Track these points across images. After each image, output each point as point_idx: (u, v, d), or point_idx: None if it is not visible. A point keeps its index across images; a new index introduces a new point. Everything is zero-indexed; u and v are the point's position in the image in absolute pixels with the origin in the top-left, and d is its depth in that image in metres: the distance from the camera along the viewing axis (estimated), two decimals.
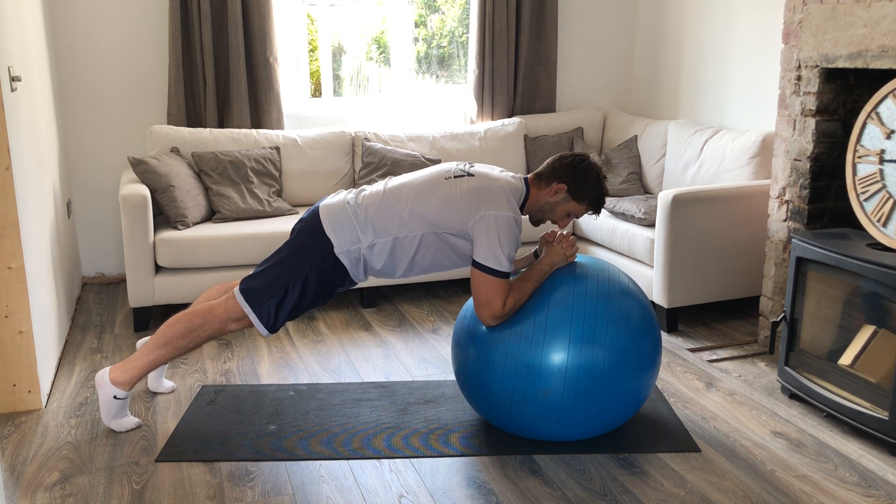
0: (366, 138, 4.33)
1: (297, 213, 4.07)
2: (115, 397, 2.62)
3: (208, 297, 2.80)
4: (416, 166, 4.16)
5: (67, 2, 4.08)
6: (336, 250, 2.52)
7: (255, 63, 4.25)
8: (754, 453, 2.52)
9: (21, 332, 2.76)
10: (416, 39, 4.89)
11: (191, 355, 3.33)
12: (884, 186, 2.67)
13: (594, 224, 4.04)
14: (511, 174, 2.61)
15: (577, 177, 2.56)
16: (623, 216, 3.85)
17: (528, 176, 2.63)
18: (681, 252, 3.44)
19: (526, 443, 2.56)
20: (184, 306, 3.40)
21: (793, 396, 2.92)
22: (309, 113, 4.59)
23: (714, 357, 3.31)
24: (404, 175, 2.66)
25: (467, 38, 4.87)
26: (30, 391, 2.80)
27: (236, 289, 2.57)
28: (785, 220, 3.23)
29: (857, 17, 2.79)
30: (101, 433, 2.66)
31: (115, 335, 3.59)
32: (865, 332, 2.68)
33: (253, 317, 2.54)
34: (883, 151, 2.68)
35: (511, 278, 2.50)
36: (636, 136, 4.53)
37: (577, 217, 2.66)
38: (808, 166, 3.10)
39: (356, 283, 2.69)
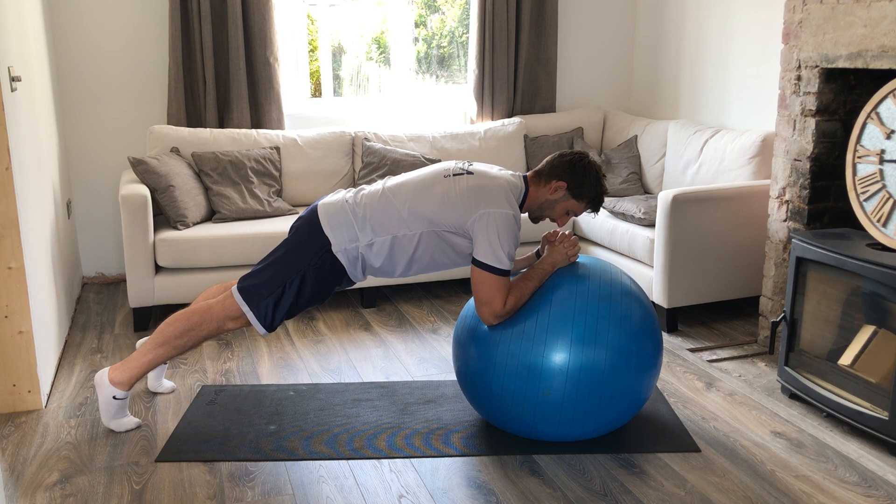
0: (366, 138, 4.33)
1: (297, 213, 4.07)
2: (114, 397, 2.62)
3: (207, 296, 2.81)
4: (416, 166, 4.16)
5: (67, 2, 4.08)
6: (334, 248, 2.52)
7: (255, 63, 4.25)
8: (754, 453, 2.52)
9: (21, 332, 2.76)
10: (416, 39, 4.89)
11: (190, 355, 3.33)
12: (884, 186, 2.67)
13: (594, 224, 4.04)
14: (510, 172, 2.61)
15: (577, 175, 2.56)
16: (623, 216, 3.85)
17: (528, 174, 2.64)
18: (681, 252, 3.44)
19: (526, 443, 2.56)
20: (184, 306, 3.40)
21: (793, 396, 2.92)
22: (309, 113, 4.59)
23: (714, 357, 3.31)
24: (403, 174, 2.66)
25: (467, 38, 4.87)
26: (30, 391, 2.80)
27: (234, 287, 2.57)
28: (785, 220, 3.23)
29: (857, 17, 2.79)
30: (101, 433, 2.66)
31: (115, 335, 3.59)
32: (865, 332, 2.68)
33: (250, 315, 2.54)
34: (883, 151, 2.68)
35: (512, 278, 2.50)
36: (636, 136, 4.53)
37: (577, 215, 2.66)
38: (808, 166, 3.10)
39: (354, 283, 2.69)
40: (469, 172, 2.55)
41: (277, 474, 2.41)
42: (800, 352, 2.92)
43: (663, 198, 3.42)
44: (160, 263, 3.59)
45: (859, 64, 2.80)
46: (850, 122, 3.07)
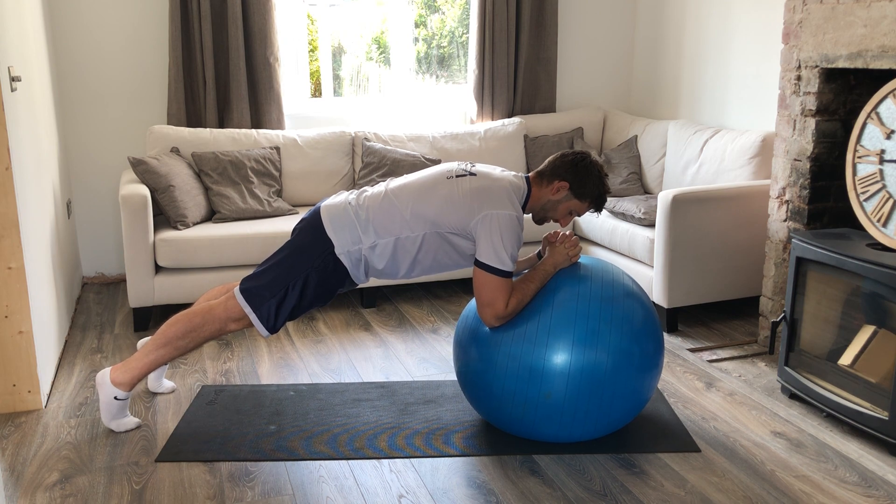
0: (366, 138, 4.33)
1: (297, 213, 4.07)
2: (115, 398, 2.62)
3: (209, 297, 2.80)
4: (416, 166, 4.16)
5: (67, 2, 4.08)
6: (337, 251, 2.52)
7: (255, 63, 4.25)
8: (754, 453, 2.52)
9: (21, 332, 2.76)
10: (416, 39, 4.89)
11: (191, 355, 3.33)
12: (884, 186, 2.67)
13: (594, 224, 4.04)
14: (513, 173, 2.61)
15: (579, 175, 2.56)
16: (623, 216, 3.85)
17: (530, 175, 2.63)
18: (681, 252, 3.44)
19: (526, 443, 2.56)
20: (184, 306, 3.40)
21: (793, 396, 2.92)
22: (309, 113, 4.59)
23: (714, 357, 3.31)
24: (406, 175, 2.66)
25: (467, 38, 4.87)
26: (30, 391, 2.80)
27: (236, 289, 2.56)
28: (785, 220, 3.23)
29: (857, 17, 2.79)
30: (101, 433, 2.66)
31: (115, 335, 3.59)
32: (865, 332, 2.68)
33: (253, 317, 2.54)
34: (883, 151, 2.68)
35: (514, 279, 2.50)
36: (636, 136, 4.53)
37: (580, 215, 2.66)
38: (808, 166, 3.10)
39: (357, 285, 2.69)
40: (472, 174, 2.55)
41: (277, 474, 2.41)
42: (800, 352, 2.92)
43: (663, 198, 3.42)
44: (160, 263, 3.59)
45: (859, 64, 2.80)
46: (850, 122, 3.07)
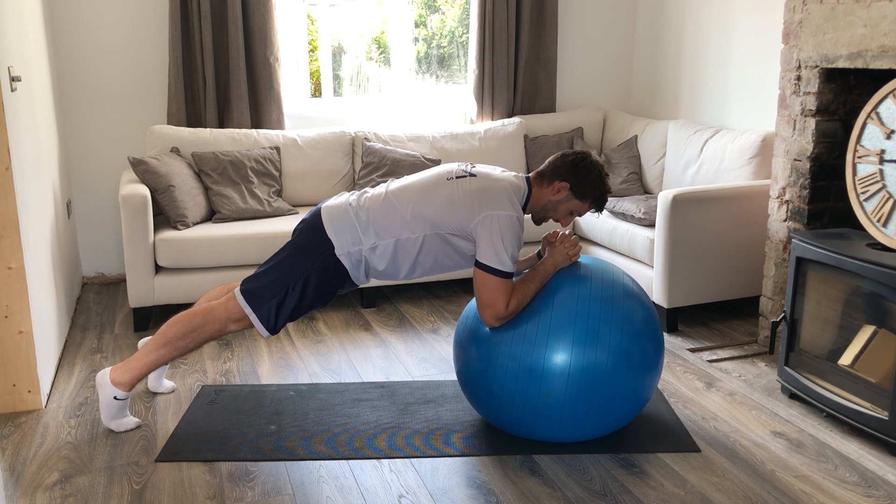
0: (366, 138, 4.33)
1: (297, 213, 4.07)
2: (115, 398, 2.62)
3: (209, 297, 2.80)
4: (416, 166, 4.16)
5: (67, 2, 4.08)
6: (337, 251, 2.52)
7: (255, 63, 4.25)
8: (754, 453, 2.52)
9: (21, 332, 2.76)
10: (416, 39, 4.89)
11: (191, 355, 3.33)
12: (884, 186, 2.67)
13: (594, 224, 4.04)
14: (513, 174, 2.61)
15: (580, 175, 2.56)
16: (623, 216, 3.85)
17: (530, 175, 2.63)
18: (681, 252, 3.44)
19: (526, 443, 2.56)
20: (184, 306, 3.40)
21: (793, 396, 2.92)
22: (309, 113, 4.59)
23: (714, 357, 3.31)
24: (406, 177, 2.66)
25: (467, 38, 4.87)
26: (30, 391, 2.80)
27: (237, 289, 2.56)
28: (785, 220, 3.23)
29: (857, 17, 2.79)
30: (101, 433, 2.66)
31: (115, 335, 3.59)
32: (865, 332, 2.68)
33: (253, 318, 2.54)
34: (883, 151, 2.68)
35: (514, 279, 2.50)
36: (636, 136, 4.53)
37: (580, 215, 2.66)
38: (808, 166, 3.10)
39: (357, 286, 2.69)
40: (472, 175, 2.55)
41: (277, 474, 2.41)
42: (800, 352, 2.92)
43: (663, 198, 3.42)
44: (160, 263, 3.59)
45: (859, 64, 2.80)
46: (850, 122, 3.06)
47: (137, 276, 3.54)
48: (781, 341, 2.96)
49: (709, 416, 2.78)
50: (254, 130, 4.20)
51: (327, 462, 2.48)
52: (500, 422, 2.58)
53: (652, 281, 3.56)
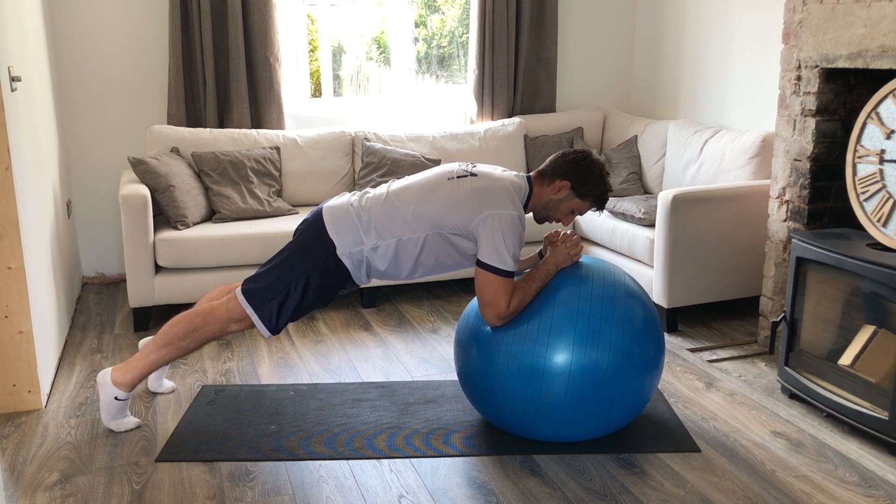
0: (366, 138, 4.33)
1: (297, 213, 4.07)
2: (116, 398, 2.62)
3: (210, 297, 2.80)
4: (416, 166, 4.16)
5: (67, 2, 4.08)
6: (338, 252, 2.52)
7: (255, 63, 4.25)
8: (754, 453, 2.52)
9: (21, 332, 2.76)
10: (416, 39, 4.89)
11: (191, 355, 3.33)
12: (884, 186, 2.67)
13: (594, 224, 4.04)
14: (514, 173, 2.61)
15: (581, 174, 2.56)
16: (623, 216, 3.85)
17: (531, 174, 2.64)
18: (681, 252, 3.44)
19: (526, 443, 2.56)
20: (184, 306, 3.40)
21: (793, 396, 2.92)
22: (309, 113, 4.59)
23: (714, 357, 3.31)
24: (407, 177, 2.67)
25: (467, 38, 4.87)
26: (30, 391, 2.80)
27: (238, 289, 2.56)
28: (785, 220, 3.23)
29: (857, 17, 2.79)
30: (101, 433, 2.66)
31: (115, 335, 3.59)
32: (865, 332, 2.68)
33: (255, 318, 2.54)
34: (883, 151, 2.68)
35: (515, 279, 2.50)
36: (636, 136, 4.53)
37: (582, 214, 2.65)
38: (808, 166, 3.10)
39: (358, 286, 2.69)
40: (473, 174, 2.55)
41: (277, 474, 2.41)
42: (800, 352, 2.92)
43: (663, 198, 3.42)
44: (160, 263, 3.59)
45: (859, 64, 2.80)
46: (850, 122, 3.07)
47: (137, 276, 3.54)
48: (781, 341, 2.96)
49: (709, 416, 2.78)
50: (254, 130, 4.20)
51: (327, 462, 2.48)
52: (500, 421, 2.58)
53: (652, 281, 3.56)
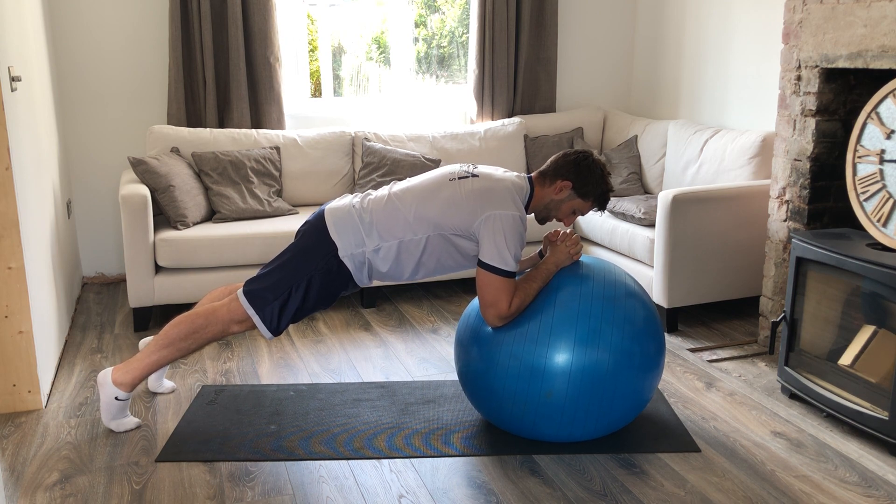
0: (366, 138, 4.34)
1: (297, 213, 4.07)
2: (116, 398, 2.62)
3: (212, 298, 2.80)
4: (416, 166, 4.16)
5: (67, 2, 4.08)
6: (340, 253, 2.53)
7: (255, 63, 4.25)
8: (754, 453, 2.52)
9: (21, 332, 2.76)
10: (416, 39, 4.89)
11: (191, 355, 3.32)
12: (884, 186, 2.67)
13: (594, 224, 4.04)
14: (515, 174, 2.61)
15: (582, 174, 2.56)
16: (623, 216, 3.85)
17: (532, 175, 2.64)
18: (681, 252, 3.44)
19: (526, 443, 2.56)
20: (184, 306, 3.40)
21: (793, 396, 2.92)
22: (309, 113, 4.59)
23: (714, 357, 3.31)
24: (409, 179, 2.67)
25: (467, 38, 4.87)
26: (30, 391, 2.80)
27: (240, 291, 2.56)
28: (785, 220, 3.23)
29: (857, 17, 2.79)
30: (101, 433, 2.66)
31: (115, 335, 3.59)
32: (865, 332, 2.68)
33: (256, 319, 2.54)
34: (883, 151, 2.68)
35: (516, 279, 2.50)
36: (636, 136, 4.53)
37: (583, 214, 2.65)
38: (808, 166, 3.10)
39: (359, 287, 2.69)
40: (474, 175, 2.55)
41: (277, 474, 2.41)
42: (800, 352, 2.92)
43: (663, 198, 3.42)
44: (160, 263, 3.59)
45: (859, 64, 2.80)
46: (850, 122, 3.07)
47: (137, 276, 3.54)
48: (781, 341, 2.96)
49: (709, 416, 2.78)
50: (254, 130, 4.20)
51: (327, 462, 2.48)
52: (500, 421, 2.58)
53: (652, 281, 3.56)
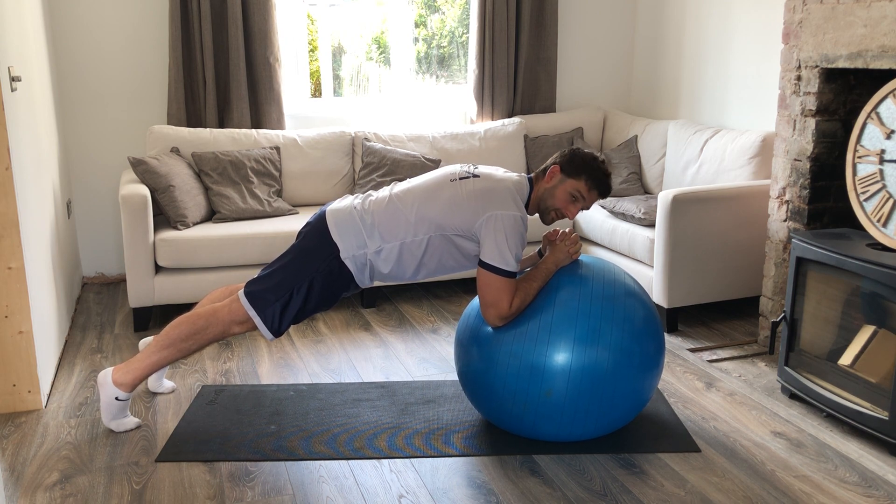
0: (366, 138, 4.34)
1: (297, 213, 4.07)
2: (116, 398, 2.62)
3: (212, 299, 2.80)
4: (416, 166, 4.16)
5: (67, 2, 4.08)
6: (342, 255, 2.53)
7: (255, 63, 4.25)
8: (754, 453, 2.52)
9: (21, 332, 2.76)
10: (416, 39, 4.89)
11: (191, 356, 3.32)
12: (884, 186, 2.67)
13: (594, 224, 4.04)
14: (516, 174, 2.62)
15: (568, 156, 2.57)
16: (623, 216, 3.85)
17: (532, 175, 2.65)
18: (681, 252, 3.44)
19: (526, 443, 2.56)
20: (184, 306, 3.40)
21: (793, 396, 2.92)
22: (309, 113, 4.59)
23: (714, 357, 3.31)
24: (410, 180, 2.67)
25: (467, 38, 4.87)
26: (30, 391, 2.80)
27: (241, 292, 2.56)
28: (785, 220, 3.23)
29: (857, 17, 2.79)
30: (101, 433, 2.66)
31: (115, 335, 3.59)
32: (865, 332, 2.68)
33: (257, 320, 2.54)
34: (883, 151, 2.68)
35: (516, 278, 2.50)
36: (636, 136, 4.53)
37: (584, 199, 2.58)
38: (808, 166, 3.10)
39: (360, 288, 2.69)
40: (475, 175, 2.56)
41: (277, 474, 2.41)
42: (800, 352, 2.92)
43: (663, 198, 3.42)
44: (160, 263, 3.59)
45: (859, 64, 2.80)
46: (850, 122, 3.07)
47: (137, 276, 3.54)
48: (781, 341, 2.96)
49: (709, 416, 2.78)
50: (254, 130, 4.20)
51: (327, 462, 2.48)
52: (500, 421, 2.58)
53: (652, 281, 3.56)
